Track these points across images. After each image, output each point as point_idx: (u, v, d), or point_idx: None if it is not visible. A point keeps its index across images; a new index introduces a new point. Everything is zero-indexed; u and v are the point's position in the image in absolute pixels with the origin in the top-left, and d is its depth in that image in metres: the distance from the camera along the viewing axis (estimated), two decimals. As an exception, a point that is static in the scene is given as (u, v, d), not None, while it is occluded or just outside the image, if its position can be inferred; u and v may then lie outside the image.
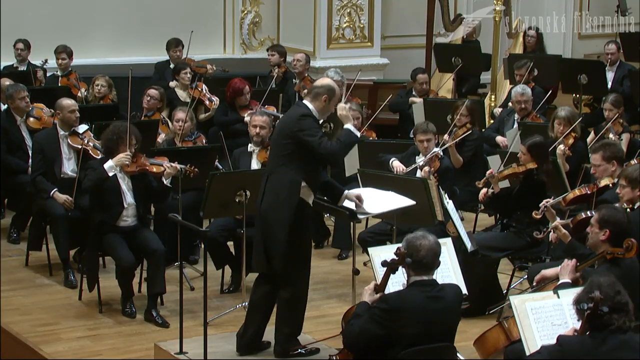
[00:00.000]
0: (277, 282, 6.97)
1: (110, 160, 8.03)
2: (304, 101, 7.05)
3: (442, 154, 9.01)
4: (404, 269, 5.80)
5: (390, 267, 5.81)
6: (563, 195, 7.83)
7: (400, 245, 5.82)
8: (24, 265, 9.18)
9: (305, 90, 11.85)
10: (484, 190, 8.35)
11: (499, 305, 7.68)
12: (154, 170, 8.22)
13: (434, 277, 5.80)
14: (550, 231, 7.26)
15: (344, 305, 8.15)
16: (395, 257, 5.76)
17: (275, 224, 6.82)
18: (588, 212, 7.12)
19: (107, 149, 8.17)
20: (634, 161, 8.56)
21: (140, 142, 8.26)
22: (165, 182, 8.24)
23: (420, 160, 8.91)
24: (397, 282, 6.00)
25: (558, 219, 7.55)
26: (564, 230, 7.07)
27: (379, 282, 5.96)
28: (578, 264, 6.34)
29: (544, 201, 7.73)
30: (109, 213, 8.01)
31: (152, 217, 8.93)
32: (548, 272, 6.71)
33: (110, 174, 7.99)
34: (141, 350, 7.49)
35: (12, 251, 9.52)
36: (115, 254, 8.01)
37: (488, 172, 8.40)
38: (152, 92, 10.49)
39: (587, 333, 5.21)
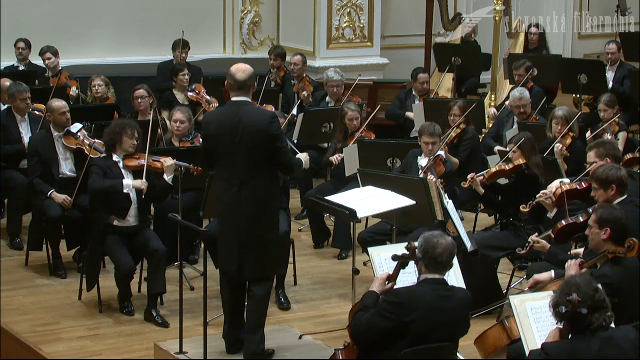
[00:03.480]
0: (256, 283, 6.96)
1: (129, 180, 8.06)
2: (241, 98, 6.85)
3: (445, 157, 8.97)
4: (415, 266, 5.83)
5: (401, 261, 5.83)
6: (552, 188, 7.82)
7: (414, 242, 5.86)
8: (24, 265, 9.18)
9: (305, 93, 11.86)
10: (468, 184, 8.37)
11: (490, 307, 7.69)
12: (156, 165, 8.25)
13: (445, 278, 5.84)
14: (532, 245, 7.28)
15: (344, 305, 8.15)
16: (406, 251, 5.79)
17: (267, 232, 6.83)
18: (570, 220, 7.15)
19: (110, 142, 8.20)
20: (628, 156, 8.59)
21: (142, 139, 8.28)
22: (166, 179, 8.27)
23: (422, 162, 8.88)
24: (404, 281, 6.02)
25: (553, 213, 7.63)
26: (542, 242, 7.20)
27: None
28: (584, 262, 6.36)
29: (539, 194, 7.75)
30: (117, 210, 8.03)
31: (152, 217, 8.93)
32: (541, 276, 6.74)
33: (124, 191, 8.02)
34: (141, 350, 7.50)
35: (12, 251, 9.53)
36: (115, 258, 8.02)
37: (470, 176, 8.36)
38: (140, 92, 10.33)
39: (570, 336, 5.21)
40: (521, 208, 7.82)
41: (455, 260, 6.96)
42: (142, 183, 8.10)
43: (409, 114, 11.74)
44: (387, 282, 5.90)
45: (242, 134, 6.76)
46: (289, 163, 6.93)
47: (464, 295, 5.91)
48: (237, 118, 6.81)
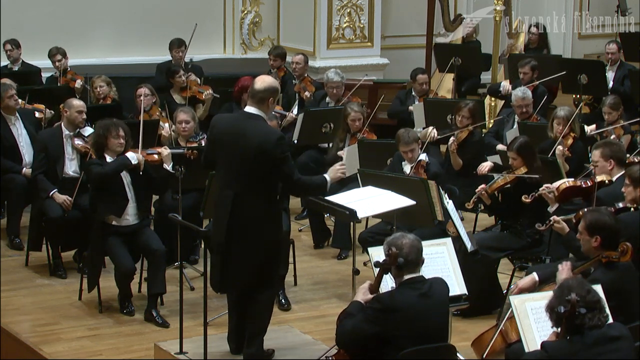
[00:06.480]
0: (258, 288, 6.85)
1: (133, 153, 8.05)
2: (252, 109, 6.64)
3: (427, 160, 8.93)
4: (390, 273, 5.82)
5: (383, 267, 5.83)
6: (556, 184, 7.79)
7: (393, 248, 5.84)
8: (24, 265, 9.19)
9: (307, 93, 11.86)
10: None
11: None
12: (153, 158, 8.26)
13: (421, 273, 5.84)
14: (552, 223, 7.21)
15: (344, 305, 8.08)
16: (386, 258, 5.79)
17: (255, 246, 6.65)
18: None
19: (97, 145, 8.20)
20: (636, 159, 8.56)
21: (130, 137, 8.25)
22: (167, 168, 8.30)
23: (406, 168, 8.87)
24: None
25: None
26: (563, 224, 7.08)
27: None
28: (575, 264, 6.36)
29: (542, 188, 7.73)
30: (114, 207, 8.02)
31: (152, 217, 8.93)
32: (524, 282, 6.68)
33: (134, 162, 8.01)
34: (141, 350, 7.50)
35: (12, 251, 9.53)
36: (116, 259, 8.02)
37: (478, 189, 8.32)
38: (142, 90, 10.35)
39: (567, 338, 5.22)
40: (523, 198, 7.80)
41: (456, 261, 6.99)
42: (139, 155, 8.09)
43: (412, 108, 11.67)
44: (370, 293, 5.88)
45: (244, 149, 6.55)
46: (294, 187, 6.77)
47: (441, 287, 5.87)
48: (241, 131, 6.59)
